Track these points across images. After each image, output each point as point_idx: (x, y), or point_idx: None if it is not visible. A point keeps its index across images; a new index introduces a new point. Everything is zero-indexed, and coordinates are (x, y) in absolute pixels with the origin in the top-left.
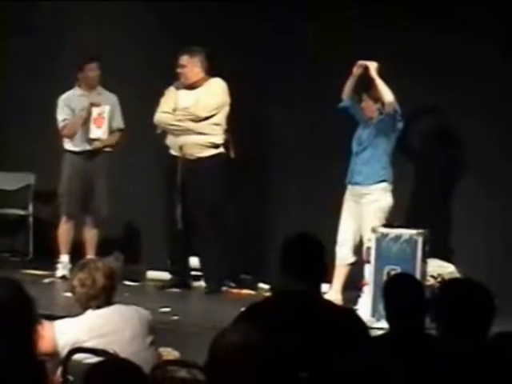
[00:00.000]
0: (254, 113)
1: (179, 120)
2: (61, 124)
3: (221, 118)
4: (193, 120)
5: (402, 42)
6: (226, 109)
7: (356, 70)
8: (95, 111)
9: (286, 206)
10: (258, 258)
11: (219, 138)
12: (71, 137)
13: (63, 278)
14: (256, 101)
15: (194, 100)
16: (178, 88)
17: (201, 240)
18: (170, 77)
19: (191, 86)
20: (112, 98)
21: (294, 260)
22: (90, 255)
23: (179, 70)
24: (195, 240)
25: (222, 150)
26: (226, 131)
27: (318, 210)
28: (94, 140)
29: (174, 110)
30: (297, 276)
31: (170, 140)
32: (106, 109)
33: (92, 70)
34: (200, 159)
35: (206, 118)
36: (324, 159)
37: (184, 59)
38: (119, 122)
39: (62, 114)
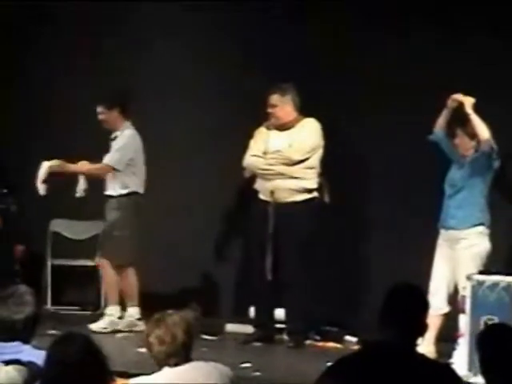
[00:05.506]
0: (345, 153)
1: (271, 164)
2: None
3: (315, 160)
4: (286, 164)
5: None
6: (320, 151)
7: (450, 103)
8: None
9: (376, 255)
10: (344, 308)
11: (313, 182)
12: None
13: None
14: (349, 143)
15: (286, 142)
16: (268, 128)
17: (289, 290)
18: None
19: (283, 127)
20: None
21: (400, 311)
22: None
23: (270, 110)
24: (282, 290)
25: (315, 194)
26: (320, 174)
27: (411, 256)
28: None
29: (265, 152)
30: (398, 328)
31: (259, 184)
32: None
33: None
34: (293, 204)
35: (300, 162)
36: (417, 201)
37: (274, 98)
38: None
39: None
